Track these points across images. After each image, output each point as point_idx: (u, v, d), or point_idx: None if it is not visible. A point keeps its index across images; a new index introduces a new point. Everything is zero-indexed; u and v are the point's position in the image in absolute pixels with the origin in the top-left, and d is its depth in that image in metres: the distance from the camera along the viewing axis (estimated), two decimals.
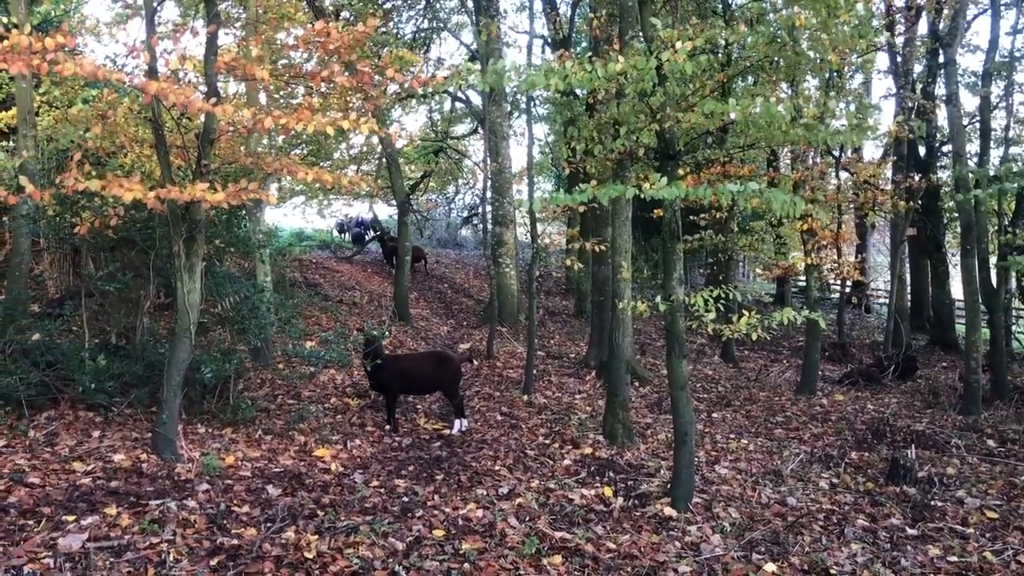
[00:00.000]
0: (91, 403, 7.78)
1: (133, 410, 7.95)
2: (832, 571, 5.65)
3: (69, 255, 10.73)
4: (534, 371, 11.84)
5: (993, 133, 15.93)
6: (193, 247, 6.96)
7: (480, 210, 25.97)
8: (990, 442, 9.94)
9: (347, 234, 29.40)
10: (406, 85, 7.46)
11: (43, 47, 5.23)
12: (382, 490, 6.78)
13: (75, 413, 7.76)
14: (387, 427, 9.06)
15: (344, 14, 17.10)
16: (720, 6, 15.13)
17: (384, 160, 20.59)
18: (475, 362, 11.63)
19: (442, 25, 22.94)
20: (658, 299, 6.71)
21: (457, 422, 9.24)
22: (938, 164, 21.16)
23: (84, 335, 8.36)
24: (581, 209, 10.87)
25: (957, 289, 17.16)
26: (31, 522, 5.20)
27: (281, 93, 12.30)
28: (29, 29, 5.35)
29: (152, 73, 6.35)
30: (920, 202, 16.17)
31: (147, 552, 4.91)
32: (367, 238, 27.24)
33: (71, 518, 5.30)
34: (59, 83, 11.35)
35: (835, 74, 12.68)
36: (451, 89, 21.08)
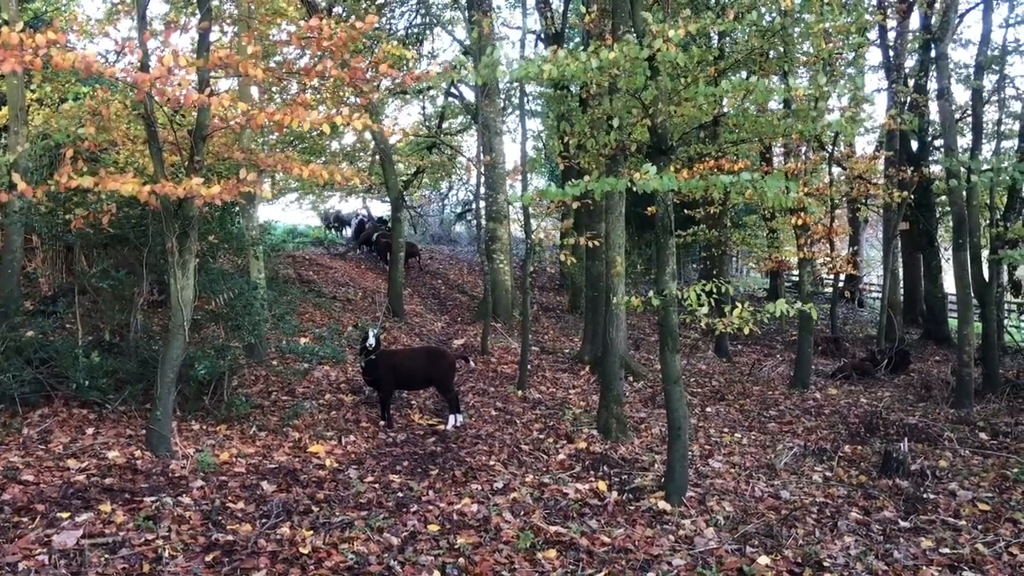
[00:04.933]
0: (85, 400, 7.77)
1: (127, 407, 7.94)
2: (825, 563, 5.68)
3: (62, 252, 10.69)
4: (528, 366, 11.85)
5: (985, 127, 15.97)
6: (186, 244, 6.95)
7: (474, 206, 25.97)
8: (982, 435, 9.99)
9: (331, 229, 29.46)
10: (399, 81, 7.44)
11: (34, 43, 5.21)
12: (377, 485, 6.79)
13: (69, 410, 7.74)
14: (381, 423, 9.07)
15: (337, 9, 17.04)
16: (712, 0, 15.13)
17: (378, 156, 20.57)
18: (471, 362, 11.61)
19: (435, 20, 22.90)
20: (651, 294, 6.72)
21: (452, 417, 9.25)
22: (930, 159, 21.21)
23: (77, 332, 8.33)
24: (575, 204, 10.90)
25: (949, 283, 17.21)
26: (25, 519, 5.20)
27: (274, 90, 12.29)
28: (21, 26, 5.33)
29: (144, 69, 6.33)
30: (912, 196, 16.22)
31: (142, 548, 4.90)
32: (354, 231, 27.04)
33: (66, 515, 5.30)
34: (50, 80, 11.31)
35: (828, 65, 12.71)
36: (444, 84, 21.12)
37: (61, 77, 11.19)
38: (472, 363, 11.80)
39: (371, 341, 9.03)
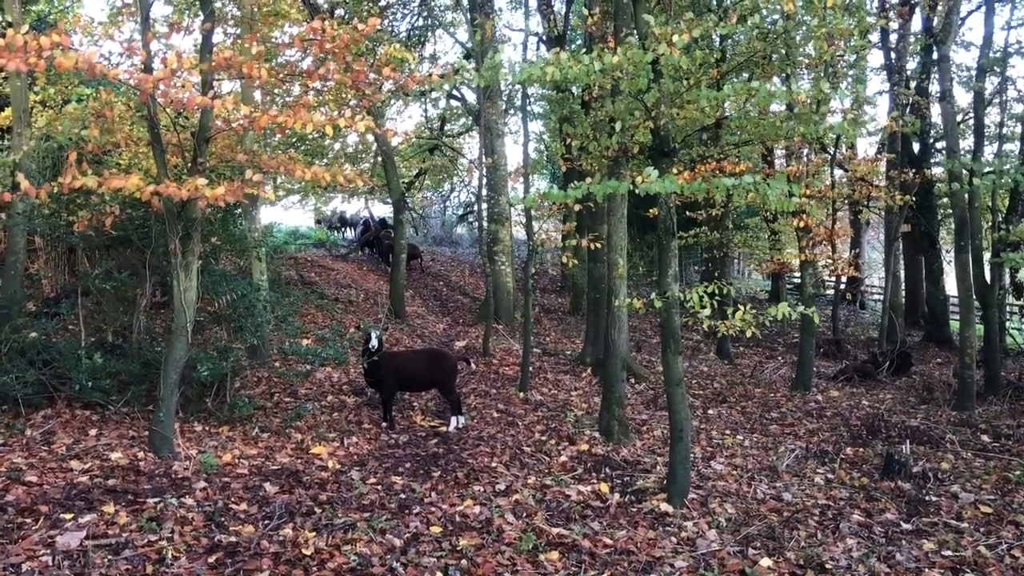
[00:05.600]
0: (88, 401, 7.79)
1: (130, 408, 7.95)
2: (828, 566, 5.68)
3: (65, 254, 10.73)
4: (530, 368, 11.86)
5: (987, 129, 15.97)
6: (189, 245, 6.97)
7: (475, 208, 26.00)
8: (984, 437, 9.98)
9: (335, 230, 29.65)
10: (401, 83, 7.46)
11: (39, 45, 5.22)
12: (379, 487, 6.79)
13: (72, 412, 7.76)
14: (383, 424, 9.08)
15: (339, 11, 17.07)
16: (714, 1, 15.16)
17: (380, 158, 20.59)
18: (471, 364, 11.61)
19: (437, 23, 22.93)
20: (653, 296, 6.73)
21: (454, 419, 9.25)
22: (932, 161, 21.21)
23: (80, 334, 8.36)
24: (577, 206, 10.90)
25: (951, 285, 17.23)
26: (29, 520, 5.21)
27: (276, 91, 12.30)
28: (25, 28, 5.34)
29: (148, 71, 6.35)
30: (914, 198, 16.23)
31: (145, 550, 4.91)
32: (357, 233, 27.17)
33: (69, 516, 5.31)
34: (54, 82, 11.33)
35: (829, 67, 12.72)
36: (446, 86, 21.13)
37: (64, 79, 11.22)
38: (473, 365, 11.80)
39: (373, 343, 9.03)
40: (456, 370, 9.74)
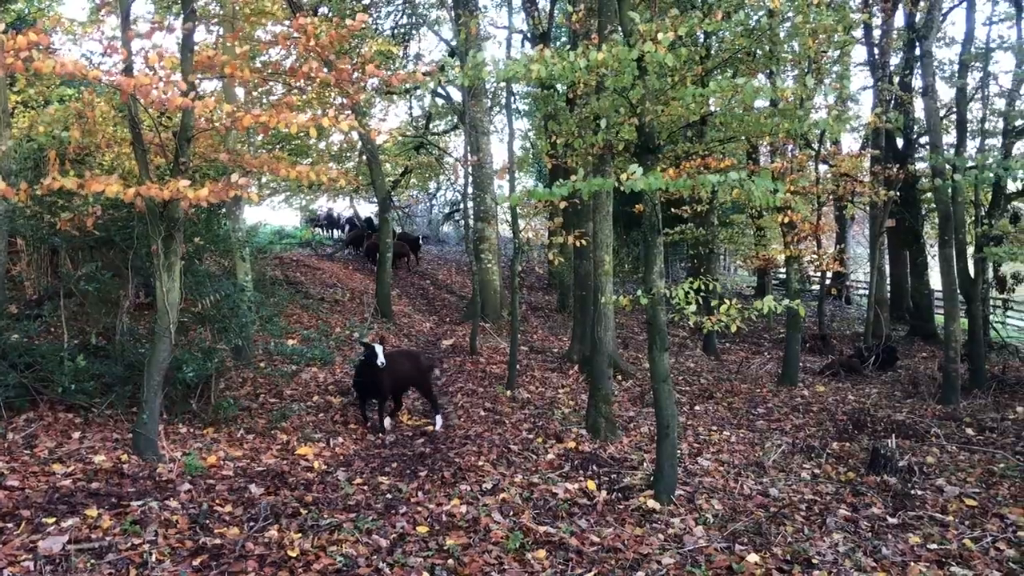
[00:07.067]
0: (71, 404, 7.71)
1: (113, 411, 7.89)
2: (814, 561, 5.69)
3: (47, 255, 10.62)
4: (517, 366, 11.84)
5: (969, 125, 16.06)
6: (172, 246, 6.92)
7: (462, 206, 25.96)
8: (969, 431, 10.04)
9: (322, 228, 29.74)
10: (386, 80, 7.44)
11: (15, 45, 5.16)
12: (365, 487, 6.77)
13: (54, 414, 7.68)
14: (369, 425, 9.03)
15: (323, 9, 16.98)
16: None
17: (364, 156, 20.53)
18: (438, 372, 11.44)
19: (421, 20, 22.87)
20: (639, 292, 6.73)
21: (438, 417, 9.24)
22: (916, 156, 21.32)
23: (63, 336, 8.28)
24: (563, 204, 10.89)
25: (936, 280, 17.32)
26: (10, 525, 5.15)
27: (259, 91, 12.23)
28: (3, 27, 5.28)
29: (128, 71, 6.30)
30: (899, 193, 16.30)
31: (129, 553, 4.87)
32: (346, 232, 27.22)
33: (51, 520, 5.25)
34: (34, 83, 11.23)
35: (812, 63, 12.77)
36: (431, 84, 21.09)
37: (45, 80, 11.11)
38: (438, 371, 11.64)
39: (382, 360, 8.63)
40: (431, 369, 9.70)
